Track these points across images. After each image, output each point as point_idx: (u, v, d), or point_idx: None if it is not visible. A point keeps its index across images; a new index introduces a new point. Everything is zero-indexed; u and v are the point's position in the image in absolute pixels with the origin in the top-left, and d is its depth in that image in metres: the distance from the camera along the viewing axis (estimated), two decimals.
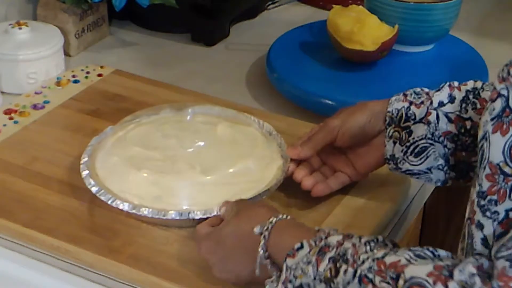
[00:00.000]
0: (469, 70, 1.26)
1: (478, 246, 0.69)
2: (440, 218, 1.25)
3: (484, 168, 0.69)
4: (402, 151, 0.90)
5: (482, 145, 0.69)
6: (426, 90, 0.92)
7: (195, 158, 0.96)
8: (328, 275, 0.71)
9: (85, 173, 0.95)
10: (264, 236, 0.78)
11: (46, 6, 1.35)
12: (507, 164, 0.66)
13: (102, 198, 0.92)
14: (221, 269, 0.83)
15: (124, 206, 0.90)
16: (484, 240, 0.69)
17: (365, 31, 1.22)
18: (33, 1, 1.39)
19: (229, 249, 0.82)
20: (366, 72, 1.25)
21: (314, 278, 0.72)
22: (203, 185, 0.93)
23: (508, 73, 0.67)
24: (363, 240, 0.73)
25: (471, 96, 0.88)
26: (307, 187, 0.95)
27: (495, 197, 0.67)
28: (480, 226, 0.69)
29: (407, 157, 0.90)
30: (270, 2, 1.58)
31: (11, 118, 1.14)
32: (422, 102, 0.90)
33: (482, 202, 0.69)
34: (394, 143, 0.91)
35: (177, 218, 0.90)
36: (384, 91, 1.21)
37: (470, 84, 0.90)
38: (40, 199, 0.97)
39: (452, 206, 1.23)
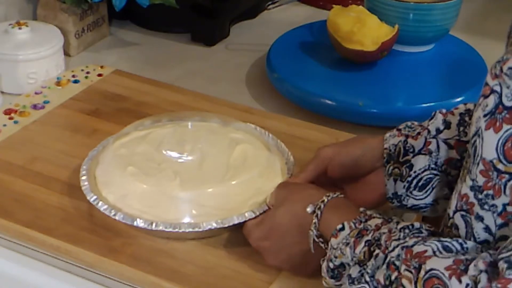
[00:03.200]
0: (469, 70, 1.26)
1: (481, 234, 0.70)
2: (440, 219, 1.25)
3: (478, 164, 0.69)
4: (404, 187, 0.88)
5: (475, 141, 0.69)
6: (417, 123, 0.91)
7: (198, 169, 0.95)
8: (362, 257, 0.73)
9: (85, 185, 0.95)
10: (317, 215, 0.80)
11: (46, 6, 1.35)
12: (501, 161, 0.67)
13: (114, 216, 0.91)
14: (275, 253, 0.84)
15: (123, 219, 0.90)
16: (487, 229, 0.69)
17: (365, 31, 1.22)
18: (33, 1, 1.39)
19: (284, 230, 0.83)
20: (366, 72, 1.25)
21: (352, 259, 0.74)
22: (206, 196, 0.92)
23: (501, 70, 0.67)
24: (399, 226, 0.74)
25: (466, 118, 0.87)
26: None
27: (491, 192, 0.68)
28: (480, 218, 0.70)
29: (411, 193, 0.88)
30: (270, 2, 1.58)
31: (11, 118, 1.14)
32: (418, 133, 0.88)
33: (480, 196, 0.69)
34: (395, 180, 0.89)
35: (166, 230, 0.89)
36: (384, 91, 1.22)
37: (461, 108, 0.88)
38: (40, 199, 0.97)
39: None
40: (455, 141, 0.86)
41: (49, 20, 1.34)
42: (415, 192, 0.88)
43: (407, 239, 0.71)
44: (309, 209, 0.81)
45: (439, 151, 0.86)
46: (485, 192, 0.68)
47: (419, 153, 0.87)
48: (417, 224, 0.75)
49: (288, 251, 0.84)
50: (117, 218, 0.90)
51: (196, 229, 0.89)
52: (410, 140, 0.88)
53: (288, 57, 1.28)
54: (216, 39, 1.44)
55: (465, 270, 0.64)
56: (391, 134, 0.91)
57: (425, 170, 0.87)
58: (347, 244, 0.75)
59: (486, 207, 0.69)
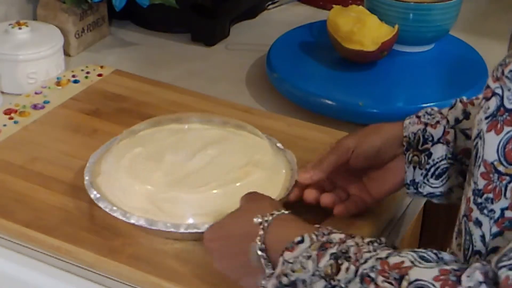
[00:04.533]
0: (469, 70, 1.26)
1: (478, 243, 0.69)
2: (440, 219, 1.25)
3: (479, 166, 0.69)
4: (422, 174, 0.88)
5: (477, 144, 0.69)
6: (437, 109, 0.91)
7: (200, 170, 0.94)
8: (329, 271, 0.70)
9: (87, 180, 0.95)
10: (263, 228, 0.77)
11: (46, 6, 1.35)
12: (501, 163, 0.66)
13: (115, 214, 0.91)
14: (219, 257, 0.83)
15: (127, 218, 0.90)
16: (483, 237, 0.69)
17: (365, 31, 1.22)
18: (33, 1, 1.39)
19: (229, 238, 0.81)
20: (366, 72, 1.25)
21: (313, 274, 0.71)
22: (209, 198, 0.91)
23: (502, 72, 0.67)
24: (366, 240, 0.72)
25: None
26: (327, 203, 0.92)
27: (491, 195, 0.68)
28: (479, 224, 0.69)
29: (427, 180, 0.88)
30: (270, 2, 1.58)
31: (11, 118, 1.14)
32: (437, 122, 0.88)
33: (479, 200, 0.69)
34: (414, 168, 0.89)
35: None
36: (384, 91, 1.22)
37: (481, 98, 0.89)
38: (40, 199, 0.97)
39: (452, 207, 1.22)
40: None
41: (49, 20, 1.34)
42: (431, 180, 0.88)
43: (378, 251, 0.69)
44: (255, 220, 0.78)
45: (456, 141, 0.87)
46: (485, 196, 0.68)
47: (438, 142, 0.87)
48: (383, 239, 0.73)
49: (231, 259, 0.81)
50: (120, 217, 0.90)
51: (195, 230, 0.89)
52: (429, 128, 0.88)
53: (288, 57, 1.28)
54: (216, 39, 1.44)
55: (458, 281, 0.62)
56: (411, 122, 0.90)
57: (442, 160, 0.87)
58: (309, 257, 0.71)
59: (485, 211, 0.68)
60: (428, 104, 1.15)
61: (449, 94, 1.19)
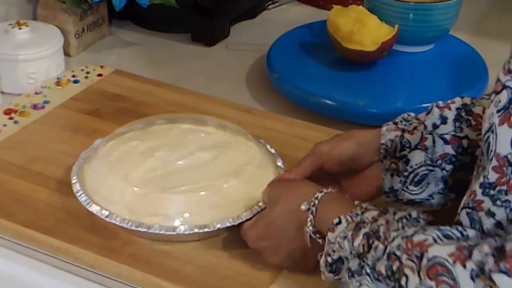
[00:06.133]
0: (469, 70, 1.26)
1: (492, 229, 0.70)
2: (440, 218, 1.25)
3: (491, 160, 0.69)
4: (401, 182, 0.89)
5: (488, 138, 0.69)
6: (413, 115, 0.91)
7: (188, 172, 0.94)
8: (361, 250, 0.73)
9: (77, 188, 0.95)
10: (312, 212, 0.81)
11: (46, 6, 1.35)
12: None
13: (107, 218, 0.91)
14: (274, 252, 0.85)
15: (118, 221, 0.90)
16: (498, 224, 0.69)
17: (365, 31, 1.22)
18: (33, 1, 1.39)
19: (281, 229, 0.83)
20: (366, 72, 1.25)
21: (350, 253, 0.74)
22: (196, 200, 0.91)
23: None
24: (397, 216, 0.74)
25: (463, 114, 0.87)
26: None
27: (504, 187, 0.68)
28: (491, 214, 0.70)
29: (406, 187, 0.89)
30: (270, 2, 1.58)
31: (11, 118, 1.14)
32: (415, 128, 0.89)
33: (492, 192, 0.69)
34: (392, 175, 0.89)
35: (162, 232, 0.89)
36: (384, 91, 1.22)
37: (458, 102, 0.88)
38: (40, 199, 0.97)
39: (452, 205, 1.22)
40: (451, 136, 0.87)
41: (49, 20, 1.34)
42: (410, 187, 0.88)
43: (405, 228, 0.72)
44: (303, 207, 0.82)
45: (435, 147, 0.87)
46: (498, 188, 0.68)
47: (416, 148, 0.88)
48: (414, 214, 0.75)
49: (287, 248, 0.84)
50: (113, 221, 0.90)
51: (187, 232, 0.89)
52: (406, 135, 0.89)
53: (288, 57, 1.28)
54: (216, 39, 1.44)
55: (469, 255, 0.64)
56: (388, 128, 0.91)
57: (421, 166, 0.87)
58: (345, 237, 0.75)
59: (498, 203, 0.69)
60: (428, 104, 1.15)
61: (449, 94, 1.19)
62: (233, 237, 0.90)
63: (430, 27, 1.29)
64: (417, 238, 0.68)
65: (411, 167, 0.88)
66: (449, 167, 0.86)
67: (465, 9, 1.35)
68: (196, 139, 1.00)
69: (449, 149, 0.86)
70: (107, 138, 1.01)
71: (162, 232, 0.89)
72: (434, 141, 0.87)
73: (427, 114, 0.89)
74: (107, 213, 0.91)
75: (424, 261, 0.66)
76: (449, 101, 0.89)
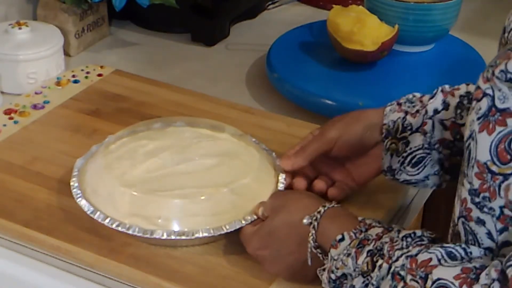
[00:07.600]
0: (469, 70, 1.26)
1: (486, 240, 0.70)
2: (440, 218, 1.25)
3: (473, 167, 0.69)
4: (399, 161, 0.90)
5: (469, 144, 0.70)
6: (419, 95, 0.92)
7: (183, 177, 0.93)
8: (365, 268, 0.73)
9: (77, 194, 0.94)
10: (314, 227, 0.80)
11: (46, 6, 1.35)
12: (494, 163, 0.67)
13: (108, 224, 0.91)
14: (274, 262, 0.84)
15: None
16: (489, 234, 0.70)
17: (365, 31, 1.22)
18: (33, 1, 1.39)
19: (281, 240, 0.83)
20: (366, 72, 1.25)
21: (354, 270, 0.74)
22: (198, 204, 0.90)
23: (493, 73, 0.67)
24: (401, 235, 0.74)
25: (465, 102, 0.88)
26: (321, 188, 0.94)
27: (487, 194, 0.68)
28: (481, 222, 0.70)
29: (404, 168, 0.90)
30: (270, 2, 1.58)
31: (11, 118, 1.14)
32: (417, 111, 0.89)
33: (477, 200, 0.69)
34: (391, 155, 0.91)
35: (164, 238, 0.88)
36: (384, 91, 1.22)
37: (463, 88, 0.89)
38: (40, 199, 0.97)
39: (452, 205, 1.23)
40: (451, 122, 0.88)
41: (49, 20, 1.34)
42: (408, 168, 0.90)
43: (410, 248, 0.71)
44: (305, 221, 0.81)
45: (434, 131, 0.88)
46: (482, 195, 0.69)
47: (416, 131, 0.89)
48: (418, 232, 0.75)
49: (285, 261, 0.83)
50: (113, 227, 0.90)
51: (184, 237, 0.88)
52: (408, 117, 0.90)
53: (288, 57, 1.28)
54: (216, 39, 1.44)
55: (476, 279, 0.64)
56: (391, 109, 0.92)
57: (419, 149, 0.89)
58: (349, 254, 0.75)
59: (485, 209, 0.69)
60: None
61: None
62: (233, 238, 0.90)
63: (430, 27, 1.29)
64: (421, 257, 0.69)
65: (410, 148, 0.89)
66: (446, 151, 0.88)
67: (465, 9, 1.36)
68: (205, 145, 0.98)
69: (447, 135, 0.88)
70: (119, 135, 1.00)
71: (140, 234, 0.88)
72: (433, 126, 0.88)
73: (431, 98, 0.90)
74: (108, 219, 0.90)
75: (429, 282, 0.66)
76: (455, 87, 0.90)
